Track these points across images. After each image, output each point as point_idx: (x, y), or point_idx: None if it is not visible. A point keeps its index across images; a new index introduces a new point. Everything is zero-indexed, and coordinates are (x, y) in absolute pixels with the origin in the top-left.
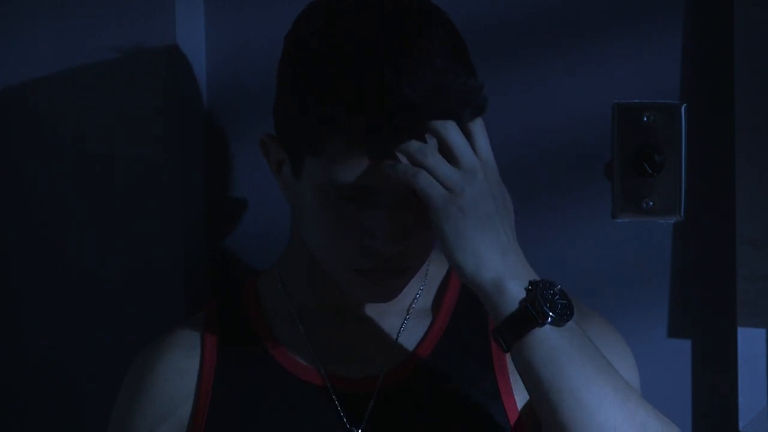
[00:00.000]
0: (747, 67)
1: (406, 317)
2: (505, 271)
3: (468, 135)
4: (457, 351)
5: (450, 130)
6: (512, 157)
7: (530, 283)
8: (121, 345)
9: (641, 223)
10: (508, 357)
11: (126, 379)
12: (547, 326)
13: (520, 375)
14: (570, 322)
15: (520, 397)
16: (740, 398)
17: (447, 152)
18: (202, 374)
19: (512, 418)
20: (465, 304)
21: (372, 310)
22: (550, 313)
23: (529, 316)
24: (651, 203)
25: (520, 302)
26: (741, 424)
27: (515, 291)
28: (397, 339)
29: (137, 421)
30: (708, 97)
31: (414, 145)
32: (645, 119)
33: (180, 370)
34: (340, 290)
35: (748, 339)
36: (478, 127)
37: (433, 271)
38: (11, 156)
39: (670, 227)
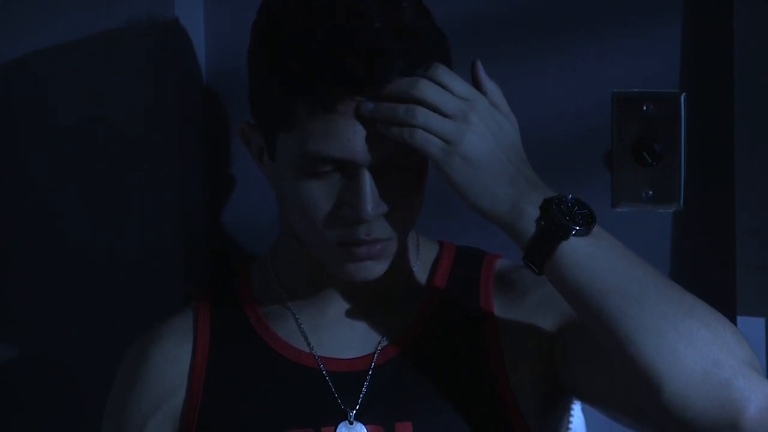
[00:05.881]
0: (747, 56)
1: (399, 297)
2: (518, 198)
3: (440, 85)
4: (449, 327)
5: (423, 87)
6: None
7: (544, 201)
8: (121, 337)
9: (641, 212)
10: (498, 331)
11: (120, 369)
12: (572, 238)
13: (561, 294)
14: (595, 227)
15: (512, 370)
16: None
17: (432, 108)
18: (194, 362)
19: (504, 390)
20: (456, 279)
21: (364, 292)
22: (572, 225)
23: (551, 232)
24: (650, 193)
25: (537, 221)
26: None
27: (532, 213)
28: (389, 319)
29: (132, 410)
30: (708, 86)
31: (400, 109)
32: (644, 109)
33: (172, 359)
34: (329, 273)
35: (747, 328)
36: (444, 73)
37: (425, 251)
38: (6, 137)
39: (669, 217)
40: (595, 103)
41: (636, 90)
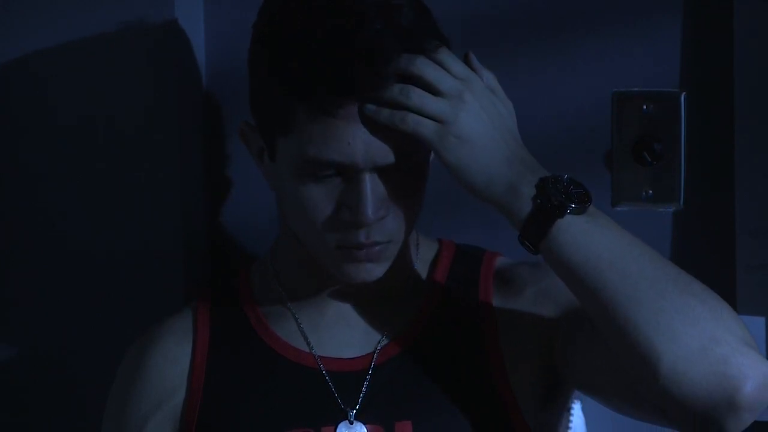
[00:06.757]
0: (747, 56)
1: (399, 296)
2: (514, 178)
3: (439, 65)
4: (449, 326)
5: (421, 64)
6: None
7: (540, 180)
8: (121, 337)
9: (641, 212)
10: (498, 329)
11: (120, 369)
12: (568, 216)
13: (558, 275)
14: (590, 206)
15: (512, 369)
16: None
17: (426, 86)
18: (194, 361)
19: (504, 390)
20: (456, 277)
21: (363, 291)
22: (568, 203)
23: (546, 210)
24: (650, 192)
25: (533, 199)
26: None
27: (527, 192)
28: (389, 318)
29: (131, 410)
30: (708, 86)
31: (394, 88)
32: (645, 108)
33: (172, 359)
34: (329, 274)
35: (747, 327)
36: (444, 54)
37: (424, 249)
38: (6, 137)
39: (669, 216)
40: (595, 103)
41: (636, 90)
